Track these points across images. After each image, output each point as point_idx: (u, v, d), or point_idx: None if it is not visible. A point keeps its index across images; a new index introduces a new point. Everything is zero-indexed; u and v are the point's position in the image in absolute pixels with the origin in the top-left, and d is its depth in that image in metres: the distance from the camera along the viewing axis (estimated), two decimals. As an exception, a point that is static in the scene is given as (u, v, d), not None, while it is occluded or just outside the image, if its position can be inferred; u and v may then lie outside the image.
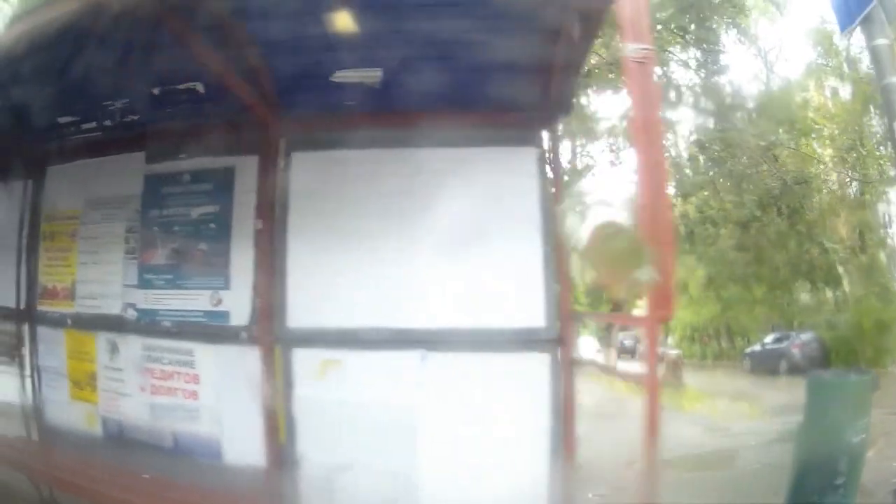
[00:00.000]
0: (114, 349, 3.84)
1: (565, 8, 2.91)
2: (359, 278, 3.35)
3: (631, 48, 2.21)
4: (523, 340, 3.27)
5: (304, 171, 3.50)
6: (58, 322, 4.05)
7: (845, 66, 10.04)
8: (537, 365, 3.25)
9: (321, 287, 3.38)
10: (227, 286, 3.54)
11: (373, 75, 3.37)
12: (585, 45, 3.18)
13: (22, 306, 4.21)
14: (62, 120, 4.08)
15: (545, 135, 3.44)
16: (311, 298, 3.39)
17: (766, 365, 12.48)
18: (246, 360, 3.45)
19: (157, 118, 3.78)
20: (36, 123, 4.14)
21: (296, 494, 3.35)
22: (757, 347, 15.33)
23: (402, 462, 3.26)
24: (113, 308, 3.84)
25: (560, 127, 3.67)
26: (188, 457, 3.59)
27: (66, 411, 4.02)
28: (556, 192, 3.43)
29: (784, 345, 13.56)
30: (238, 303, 3.50)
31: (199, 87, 3.55)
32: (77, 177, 4.11)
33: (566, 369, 3.25)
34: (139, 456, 3.69)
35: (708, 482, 4.53)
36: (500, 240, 3.33)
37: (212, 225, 3.61)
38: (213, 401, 3.53)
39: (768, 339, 14.99)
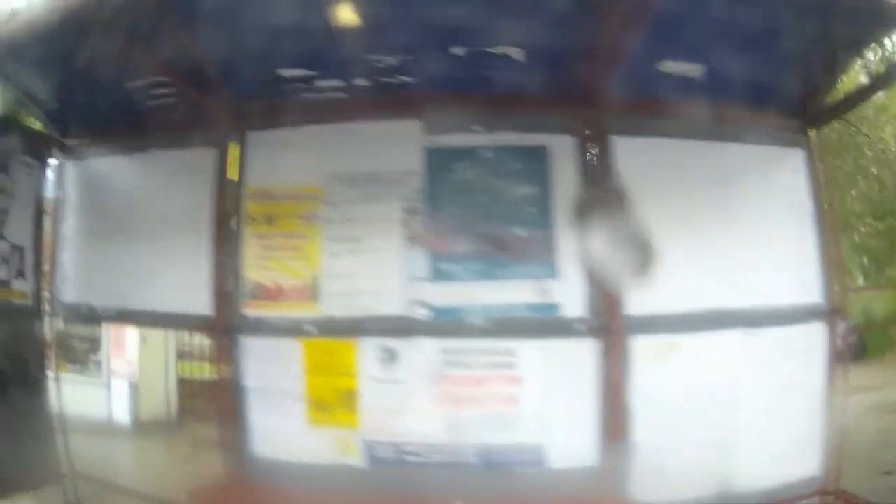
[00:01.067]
0: (390, 357, 3.16)
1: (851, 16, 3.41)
2: (688, 261, 3.37)
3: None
4: (806, 314, 3.67)
5: (628, 157, 3.37)
6: (288, 330, 3.18)
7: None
8: (817, 335, 3.69)
9: (657, 272, 3.31)
10: (553, 275, 3.20)
11: (693, 70, 3.44)
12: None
13: (217, 312, 3.17)
14: (286, 73, 3.21)
15: (813, 135, 3.89)
16: (648, 284, 3.29)
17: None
18: (579, 354, 3.20)
19: (445, 83, 3.23)
20: (238, 75, 3.20)
21: (629, 482, 3.24)
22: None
23: (724, 436, 3.40)
24: (390, 307, 3.16)
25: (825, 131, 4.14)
26: (501, 469, 3.17)
27: (301, 442, 3.19)
28: (823, 189, 3.88)
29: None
30: (569, 292, 3.21)
31: (515, 54, 3.18)
32: (307, 145, 3.27)
33: (840, 338, 3.76)
34: (431, 481, 3.12)
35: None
36: (783, 228, 3.68)
37: (530, 208, 3.23)
38: (538, 401, 3.17)
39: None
